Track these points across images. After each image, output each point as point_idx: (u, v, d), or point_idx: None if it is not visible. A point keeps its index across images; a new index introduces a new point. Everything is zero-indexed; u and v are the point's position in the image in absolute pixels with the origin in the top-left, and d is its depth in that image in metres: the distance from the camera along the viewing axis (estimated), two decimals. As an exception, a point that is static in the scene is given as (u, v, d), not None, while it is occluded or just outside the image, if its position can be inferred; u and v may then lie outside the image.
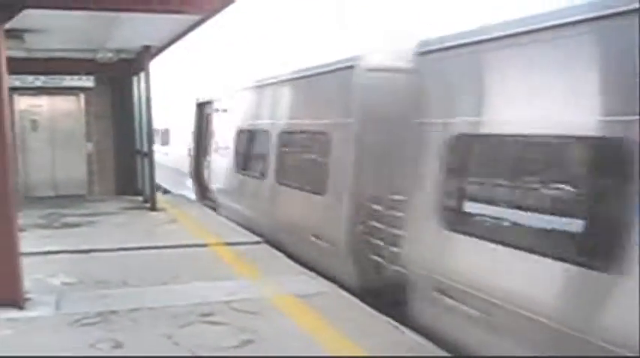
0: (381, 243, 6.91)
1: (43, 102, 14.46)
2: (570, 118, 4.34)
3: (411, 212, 6.22)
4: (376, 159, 7.21)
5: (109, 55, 12.68)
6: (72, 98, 14.48)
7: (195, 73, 18.75)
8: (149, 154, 12.64)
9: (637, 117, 3.75)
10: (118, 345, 5.12)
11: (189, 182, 16.26)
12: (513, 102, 4.98)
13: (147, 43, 11.68)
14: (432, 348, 5.18)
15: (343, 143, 7.62)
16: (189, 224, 11.14)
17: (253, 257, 8.41)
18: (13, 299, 6.04)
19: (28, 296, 6.29)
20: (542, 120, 4.58)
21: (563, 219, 4.44)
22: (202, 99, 15.40)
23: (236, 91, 12.49)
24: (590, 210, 4.29)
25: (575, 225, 4.33)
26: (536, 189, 4.71)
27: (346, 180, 7.51)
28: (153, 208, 12.45)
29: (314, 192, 8.31)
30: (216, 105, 14.06)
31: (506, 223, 4.99)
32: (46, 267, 7.57)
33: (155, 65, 12.72)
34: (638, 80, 3.73)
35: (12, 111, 13.19)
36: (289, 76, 9.64)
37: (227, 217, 11.89)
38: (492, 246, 4.91)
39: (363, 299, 6.44)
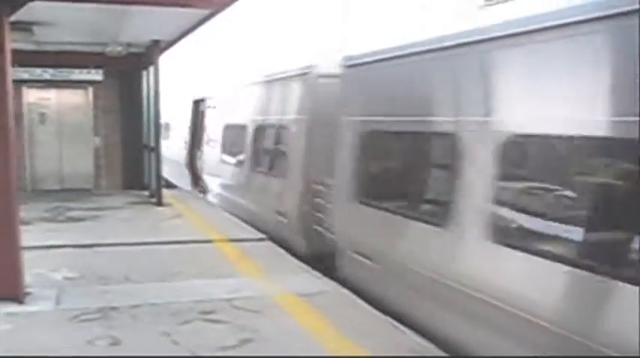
0: (322, 216, 8.41)
1: (52, 96, 14.43)
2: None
3: (336, 190, 7.89)
4: (320, 148, 8.74)
5: (119, 48, 12.62)
6: (80, 91, 14.45)
7: (195, 72, 19.06)
8: (156, 149, 12.61)
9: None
10: (116, 342, 5.08)
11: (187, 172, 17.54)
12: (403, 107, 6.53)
13: (156, 37, 11.61)
14: (432, 349, 5.14)
15: (299, 135, 9.29)
16: (194, 219, 11.11)
17: (257, 254, 8.38)
18: (14, 293, 6.00)
19: (28, 290, 6.26)
20: (419, 121, 6.20)
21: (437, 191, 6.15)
22: (198, 96, 16.67)
23: (223, 91, 14.36)
24: None
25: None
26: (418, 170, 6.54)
27: (299, 165, 9.15)
28: (159, 203, 12.43)
29: (278, 176, 10.08)
30: (208, 102, 15.55)
31: (398, 197, 6.77)
32: (48, 261, 7.55)
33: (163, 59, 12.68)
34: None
35: (20, 104, 13.30)
36: (263, 79, 11.33)
37: (214, 202, 13.67)
38: (387, 214, 6.64)
39: (312, 265, 7.67)
